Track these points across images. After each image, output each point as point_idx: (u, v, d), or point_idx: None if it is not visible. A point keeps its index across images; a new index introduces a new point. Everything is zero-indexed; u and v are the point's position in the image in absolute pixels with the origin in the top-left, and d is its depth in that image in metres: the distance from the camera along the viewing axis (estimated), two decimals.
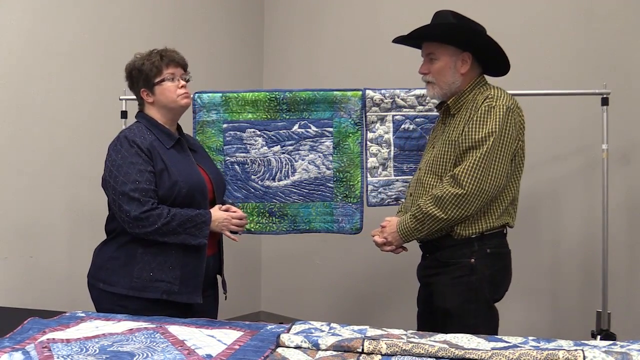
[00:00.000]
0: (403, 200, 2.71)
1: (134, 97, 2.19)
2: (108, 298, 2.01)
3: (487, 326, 2.01)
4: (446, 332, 1.94)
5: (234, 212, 2.09)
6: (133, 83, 2.12)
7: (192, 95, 2.63)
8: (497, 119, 1.95)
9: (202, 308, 2.09)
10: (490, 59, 2.10)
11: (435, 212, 1.97)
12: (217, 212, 2.06)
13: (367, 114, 2.66)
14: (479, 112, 1.98)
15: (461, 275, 2.01)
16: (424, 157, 2.21)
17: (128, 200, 1.92)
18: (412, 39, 2.16)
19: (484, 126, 1.95)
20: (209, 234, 2.02)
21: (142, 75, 2.08)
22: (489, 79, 2.17)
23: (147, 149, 1.98)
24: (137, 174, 1.94)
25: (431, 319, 2.11)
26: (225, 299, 2.26)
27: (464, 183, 1.93)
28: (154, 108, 2.11)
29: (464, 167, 1.95)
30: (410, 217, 2.04)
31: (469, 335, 1.65)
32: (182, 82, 2.11)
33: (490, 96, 2.00)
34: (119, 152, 1.98)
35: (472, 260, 2.01)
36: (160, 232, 1.95)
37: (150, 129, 2.07)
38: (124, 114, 2.77)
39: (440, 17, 2.11)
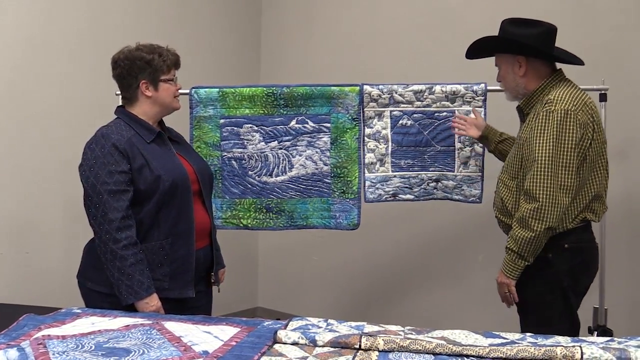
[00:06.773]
0: (401, 195, 2.71)
1: None
2: (96, 297, 1.99)
3: (564, 319, 2.07)
4: (523, 323, 2.10)
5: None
6: (131, 72, 2.05)
7: (188, 91, 2.63)
8: (555, 126, 1.97)
9: (196, 303, 2.07)
10: (550, 56, 2.16)
11: (523, 233, 2.00)
12: (149, 305, 1.91)
13: (365, 109, 2.65)
14: (538, 118, 2.01)
15: (538, 269, 2.05)
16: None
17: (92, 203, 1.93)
18: (474, 53, 2.30)
19: (542, 134, 1.99)
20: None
21: (149, 68, 2.03)
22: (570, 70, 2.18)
23: (124, 147, 1.95)
24: (107, 175, 1.92)
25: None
26: (219, 291, 2.25)
27: (537, 195, 1.97)
28: (148, 102, 2.07)
29: (532, 181, 1.99)
30: (506, 256, 2.07)
31: (466, 332, 1.65)
32: (179, 85, 2.13)
33: (549, 100, 2.02)
34: (93, 151, 1.97)
35: (550, 255, 2.05)
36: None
37: (130, 124, 2.04)
38: None
39: (501, 27, 2.21)
